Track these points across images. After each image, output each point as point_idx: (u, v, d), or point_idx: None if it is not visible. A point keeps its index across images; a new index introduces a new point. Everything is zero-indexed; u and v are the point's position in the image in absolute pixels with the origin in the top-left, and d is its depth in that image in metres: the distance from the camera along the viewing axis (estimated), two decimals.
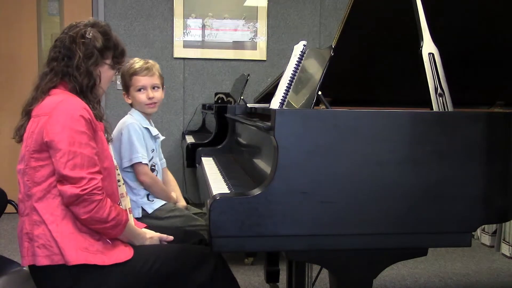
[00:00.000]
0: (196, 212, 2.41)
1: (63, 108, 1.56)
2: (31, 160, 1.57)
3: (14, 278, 1.82)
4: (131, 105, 2.32)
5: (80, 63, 1.63)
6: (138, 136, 2.20)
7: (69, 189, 1.49)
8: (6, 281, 1.79)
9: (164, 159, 2.43)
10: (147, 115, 2.32)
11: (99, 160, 1.58)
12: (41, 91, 1.64)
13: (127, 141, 2.19)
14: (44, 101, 1.61)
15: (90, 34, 1.66)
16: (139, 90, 2.27)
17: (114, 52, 1.73)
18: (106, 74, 1.73)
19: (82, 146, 1.53)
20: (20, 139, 1.66)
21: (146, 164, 2.21)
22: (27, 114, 1.66)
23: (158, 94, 2.31)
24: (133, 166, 2.18)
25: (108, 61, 1.72)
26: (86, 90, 1.64)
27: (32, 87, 1.69)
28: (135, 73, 2.26)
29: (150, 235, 1.78)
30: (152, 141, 2.29)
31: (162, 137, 2.37)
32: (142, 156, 2.19)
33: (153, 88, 2.29)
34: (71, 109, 1.55)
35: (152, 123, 2.36)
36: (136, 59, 2.29)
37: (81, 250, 1.53)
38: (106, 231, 1.57)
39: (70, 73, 1.63)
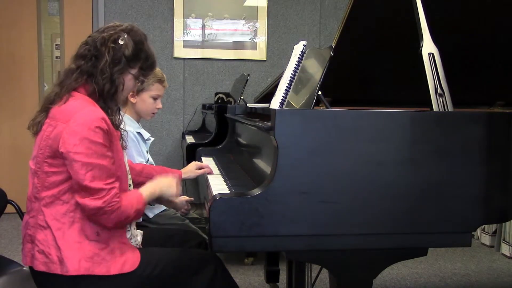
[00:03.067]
0: (194, 217, 2.41)
1: (81, 118, 1.52)
2: (44, 165, 1.55)
3: (14, 278, 1.82)
4: (133, 105, 2.29)
5: (106, 68, 1.59)
6: (134, 145, 2.19)
7: (91, 203, 1.49)
8: (6, 281, 1.80)
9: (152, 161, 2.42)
10: (137, 118, 2.30)
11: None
12: (66, 90, 1.60)
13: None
14: (63, 105, 1.57)
15: (123, 40, 1.61)
16: (154, 98, 2.26)
17: (143, 63, 1.68)
18: (129, 83, 1.68)
19: (100, 157, 1.51)
20: (36, 133, 1.61)
21: None
22: (46, 110, 1.61)
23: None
24: None
25: (134, 71, 1.67)
26: (107, 96, 1.61)
27: (56, 81, 1.66)
28: (160, 81, 2.25)
29: (160, 189, 1.78)
30: (144, 143, 2.29)
31: (152, 139, 2.36)
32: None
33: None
34: (89, 120, 1.51)
35: (140, 124, 2.35)
36: None
37: (84, 260, 1.51)
38: (131, 221, 1.64)
39: (94, 75, 1.60)
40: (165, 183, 1.80)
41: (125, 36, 1.63)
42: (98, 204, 1.49)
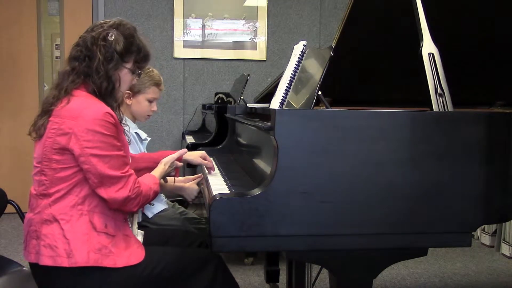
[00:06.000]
0: (194, 217, 2.41)
1: (90, 115, 1.54)
2: (52, 162, 1.56)
3: (14, 278, 1.83)
4: (127, 106, 2.28)
5: (100, 66, 1.61)
6: (133, 145, 2.18)
7: (119, 194, 1.56)
8: (6, 281, 1.80)
9: None
10: (134, 119, 2.30)
11: None
12: (65, 92, 1.61)
13: None
14: (68, 105, 1.58)
15: (112, 36, 1.63)
16: (150, 101, 2.26)
17: (136, 56, 1.69)
18: (125, 78, 1.69)
19: (114, 148, 1.56)
20: (38, 138, 1.62)
21: None
22: (46, 113, 1.62)
23: None
24: None
25: (129, 65, 1.68)
26: (105, 94, 1.63)
27: (52, 84, 1.68)
28: (157, 84, 2.25)
29: (167, 164, 1.88)
30: (141, 144, 2.29)
31: (149, 139, 2.36)
32: None
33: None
34: (98, 115, 1.54)
35: (136, 125, 2.35)
36: (150, 68, 2.24)
37: (93, 252, 1.53)
38: (152, 200, 1.73)
39: (90, 75, 1.62)
40: (168, 157, 1.91)
41: (114, 32, 1.64)
42: (125, 194, 1.56)
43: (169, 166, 1.89)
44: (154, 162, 1.96)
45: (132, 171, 1.61)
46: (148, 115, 2.30)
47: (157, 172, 1.84)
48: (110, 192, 1.55)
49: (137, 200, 1.60)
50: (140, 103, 2.25)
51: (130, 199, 1.58)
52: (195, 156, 2.08)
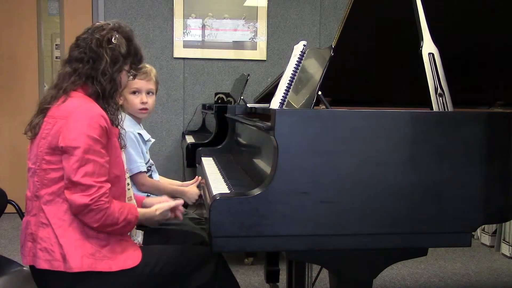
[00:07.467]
0: (194, 217, 2.40)
1: (81, 114, 1.53)
2: (43, 162, 1.56)
3: (14, 278, 1.82)
4: (121, 107, 2.25)
5: (107, 69, 1.60)
6: (133, 145, 2.16)
7: (79, 199, 1.48)
8: (6, 281, 1.80)
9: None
10: (137, 119, 2.27)
11: (111, 167, 1.57)
12: (64, 91, 1.60)
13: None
14: (63, 104, 1.58)
15: (116, 39, 1.63)
16: (134, 92, 2.17)
17: (134, 58, 1.70)
18: (124, 79, 1.70)
19: (96, 154, 1.52)
20: (33, 136, 1.61)
21: (145, 171, 2.19)
22: (42, 111, 1.61)
23: (151, 100, 2.22)
24: (131, 177, 2.09)
25: (127, 67, 1.69)
26: (108, 96, 1.63)
27: (51, 84, 1.67)
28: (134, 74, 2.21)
29: (159, 211, 1.78)
30: (144, 144, 2.27)
31: (152, 140, 2.33)
32: (141, 164, 2.15)
33: (148, 93, 2.21)
34: (89, 115, 1.53)
35: (142, 126, 2.31)
36: None
37: (86, 257, 1.52)
38: (118, 231, 1.58)
39: (94, 77, 1.60)
40: (163, 204, 1.82)
41: (116, 35, 1.65)
42: (85, 200, 1.48)
43: (160, 214, 1.79)
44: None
45: (106, 185, 1.52)
46: (142, 109, 2.19)
47: (145, 213, 1.76)
48: (72, 195, 1.49)
49: (98, 215, 1.50)
50: (127, 99, 2.16)
51: (90, 210, 1.49)
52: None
